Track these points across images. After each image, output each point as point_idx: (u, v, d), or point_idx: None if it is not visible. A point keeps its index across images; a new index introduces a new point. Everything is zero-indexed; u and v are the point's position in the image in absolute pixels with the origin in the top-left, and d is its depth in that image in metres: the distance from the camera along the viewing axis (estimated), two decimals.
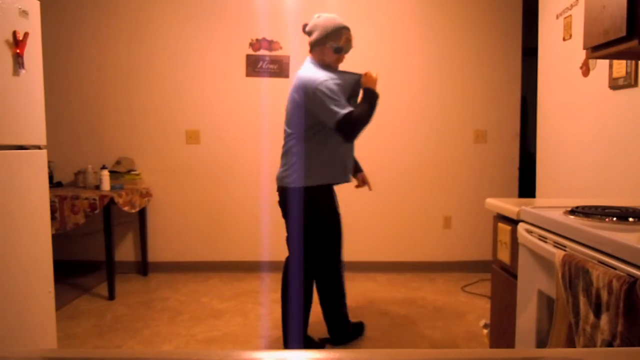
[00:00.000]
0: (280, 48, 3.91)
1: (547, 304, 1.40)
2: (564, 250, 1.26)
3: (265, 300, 3.31)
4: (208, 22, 3.89)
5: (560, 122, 2.86)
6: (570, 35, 2.73)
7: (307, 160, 2.41)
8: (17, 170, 1.97)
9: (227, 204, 3.99)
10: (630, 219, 1.26)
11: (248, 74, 3.92)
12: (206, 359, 0.59)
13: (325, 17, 2.46)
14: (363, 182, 2.76)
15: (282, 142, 2.55)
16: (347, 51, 2.50)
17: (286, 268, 2.54)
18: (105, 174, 3.41)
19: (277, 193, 2.56)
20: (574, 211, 1.38)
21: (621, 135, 2.27)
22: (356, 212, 3.86)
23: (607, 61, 2.34)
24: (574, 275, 1.16)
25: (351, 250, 3.92)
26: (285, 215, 2.53)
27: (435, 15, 3.93)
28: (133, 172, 3.82)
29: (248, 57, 3.91)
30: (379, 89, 2.50)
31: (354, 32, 2.52)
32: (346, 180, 2.56)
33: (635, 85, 2.16)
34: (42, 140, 2.13)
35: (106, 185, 3.40)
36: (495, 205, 1.78)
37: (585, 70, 2.56)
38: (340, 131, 2.34)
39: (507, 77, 3.98)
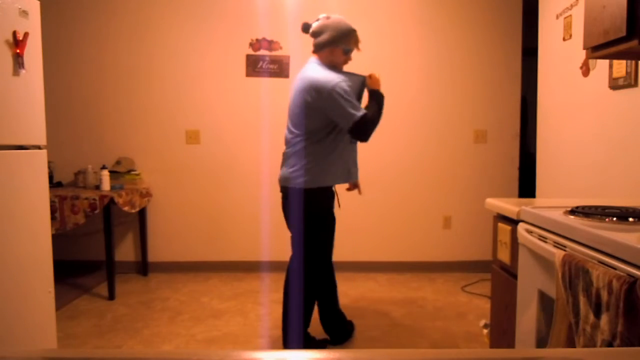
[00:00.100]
0: (280, 48, 3.91)
1: (547, 304, 1.40)
2: (564, 250, 1.26)
3: (265, 300, 3.31)
4: (208, 22, 3.89)
5: (560, 122, 2.86)
6: (570, 35, 2.73)
7: (320, 161, 2.41)
8: (17, 170, 1.97)
9: (227, 204, 3.99)
10: (630, 219, 1.26)
11: (248, 74, 3.92)
12: (206, 359, 0.59)
13: (336, 19, 2.46)
14: (354, 186, 2.74)
15: (282, 142, 2.54)
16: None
17: (296, 268, 2.53)
18: (105, 174, 3.41)
19: (280, 193, 2.55)
20: (574, 211, 1.38)
21: (621, 135, 2.27)
22: (356, 212, 3.86)
23: (607, 61, 2.34)
24: (574, 275, 1.16)
25: (351, 250, 3.94)
26: (293, 216, 2.49)
27: (435, 15, 3.93)
28: (133, 172, 3.82)
29: (248, 57, 3.91)
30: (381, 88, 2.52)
31: None
32: (348, 180, 2.59)
33: (635, 85, 2.16)
34: (42, 140, 2.13)
35: (106, 185, 3.40)
36: (495, 205, 1.78)
37: (585, 70, 2.56)
38: (355, 133, 2.37)
39: (507, 77, 3.98)
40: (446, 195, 4.03)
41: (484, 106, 4.00)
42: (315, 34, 2.47)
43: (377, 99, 2.48)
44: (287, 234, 2.57)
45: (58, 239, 2.73)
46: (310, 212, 2.45)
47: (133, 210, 3.57)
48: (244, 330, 2.82)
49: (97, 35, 3.89)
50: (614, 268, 1.07)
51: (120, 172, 3.75)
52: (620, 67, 2.24)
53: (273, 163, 3.91)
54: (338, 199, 2.63)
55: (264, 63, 3.90)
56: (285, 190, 2.50)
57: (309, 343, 2.50)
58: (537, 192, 3.15)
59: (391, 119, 3.93)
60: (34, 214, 2.07)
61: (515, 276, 1.63)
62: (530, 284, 1.50)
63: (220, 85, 3.93)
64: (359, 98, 2.49)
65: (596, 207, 1.42)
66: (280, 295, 3.39)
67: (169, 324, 2.90)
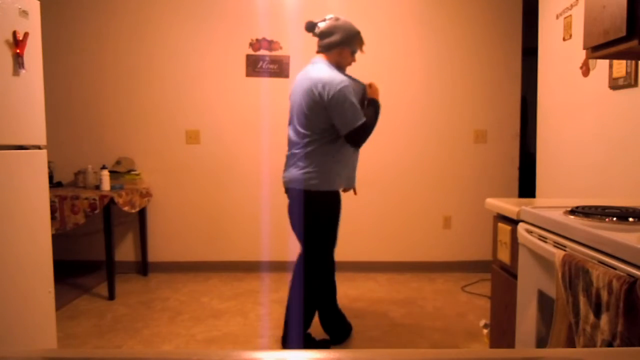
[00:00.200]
0: (280, 48, 3.91)
1: (547, 304, 1.40)
2: (564, 250, 1.26)
3: (265, 300, 3.31)
4: (208, 22, 3.89)
5: (560, 122, 2.86)
6: (570, 35, 2.73)
7: (334, 163, 2.41)
8: (17, 170, 1.97)
9: (227, 204, 3.99)
10: (630, 219, 1.26)
11: (248, 74, 3.92)
12: (206, 359, 0.59)
13: (345, 21, 2.49)
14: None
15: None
16: None
17: (302, 269, 2.52)
18: (105, 174, 3.41)
19: (282, 194, 2.54)
20: (574, 211, 1.38)
21: (621, 135, 2.27)
22: (356, 212, 3.86)
23: (607, 61, 2.34)
24: (574, 275, 1.16)
25: (351, 250, 3.94)
26: (304, 218, 2.48)
27: (435, 15, 3.93)
28: (133, 172, 3.82)
29: (248, 57, 3.91)
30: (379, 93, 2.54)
31: None
32: (348, 185, 2.61)
33: (635, 85, 2.16)
34: (42, 140, 2.13)
35: (106, 185, 3.40)
36: (495, 205, 1.78)
37: (585, 70, 2.56)
38: (351, 139, 2.39)
39: (507, 77, 3.98)
40: (446, 195, 4.03)
41: (484, 106, 4.00)
42: (323, 34, 2.47)
43: (376, 108, 2.51)
44: (287, 234, 2.57)
45: (58, 239, 2.73)
46: (323, 214, 2.45)
47: (133, 210, 3.57)
48: (244, 330, 2.82)
49: (97, 35, 3.89)
50: (614, 268, 1.07)
51: (120, 172, 3.75)
52: (620, 67, 2.24)
53: (273, 163, 3.91)
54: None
55: (264, 63, 3.90)
56: (293, 192, 2.47)
57: (309, 344, 2.50)
58: (537, 192, 3.15)
59: (391, 119, 3.93)
60: (34, 214, 2.07)
61: (515, 276, 1.63)
62: (530, 284, 1.50)
63: (220, 85, 3.93)
64: (361, 104, 2.49)
65: (596, 207, 1.42)
66: (280, 295, 3.40)
67: (169, 324, 2.90)
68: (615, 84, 2.30)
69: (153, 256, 3.98)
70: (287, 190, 2.52)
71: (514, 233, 1.63)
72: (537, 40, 3.16)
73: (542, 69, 3.11)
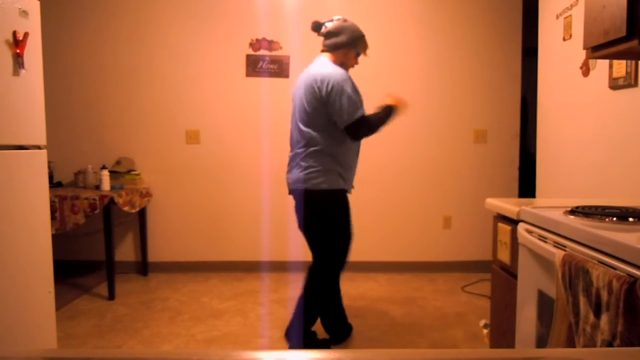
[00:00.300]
0: (280, 48, 3.91)
1: (547, 304, 1.40)
2: (564, 250, 1.26)
3: (265, 300, 3.31)
4: (208, 22, 3.89)
5: (560, 122, 2.86)
6: (570, 35, 2.73)
7: (335, 163, 2.41)
8: (17, 170, 1.97)
9: (227, 204, 3.99)
10: (630, 219, 1.26)
11: (248, 74, 3.92)
12: (206, 359, 0.59)
13: (352, 23, 2.52)
14: None
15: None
16: None
17: (320, 272, 2.52)
18: (105, 174, 3.41)
19: (290, 196, 2.53)
20: (574, 211, 1.38)
21: (621, 135, 2.27)
22: (356, 212, 3.83)
23: (607, 61, 2.34)
24: (574, 275, 1.16)
25: (351, 250, 3.93)
26: (310, 217, 2.48)
27: (435, 15, 3.93)
28: (133, 172, 3.82)
29: (248, 57, 3.91)
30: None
31: None
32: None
33: (635, 85, 2.16)
34: (42, 140, 2.13)
35: (106, 185, 3.40)
36: (495, 205, 1.78)
37: (585, 70, 2.56)
38: (351, 131, 2.38)
39: (507, 77, 3.98)
40: (446, 195, 4.03)
41: (484, 106, 4.00)
42: (330, 34, 2.48)
43: (388, 111, 2.49)
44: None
45: (58, 239, 2.73)
46: (328, 213, 2.45)
47: (133, 210, 3.57)
48: (244, 330, 2.82)
49: (97, 35, 3.89)
50: (614, 268, 1.07)
51: (120, 172, 3.75)
52: (620, 67, 2.24)
53: (273, 163, 3.92)
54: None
55: (264, 63, 3.90)
56: (297, 193, 2.46)
57: (310, 342, 2.50)
58: (537, 192, 3.15)
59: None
60: (34, 214, 2.07)
61: (515, 276, 1.63)
62: (530, 284, 1.50)
63: (220, 85, 3.93)
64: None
65: (596, 207, 1.42)
66: (280, 295, 3.41)
67: (169, 324, 2.90)
68: (615, 84, 2.30)
69: (153, 256, 3.98)
70: (291, 192, 2.51)
71: (514, 233, 1.63)
72: (537, 40, 3.16)
73: (542, 69, 3.11)
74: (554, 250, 1.29)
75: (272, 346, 2.64)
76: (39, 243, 2.10)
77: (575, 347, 1.16)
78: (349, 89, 2.33)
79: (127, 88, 3.93)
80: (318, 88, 2.35)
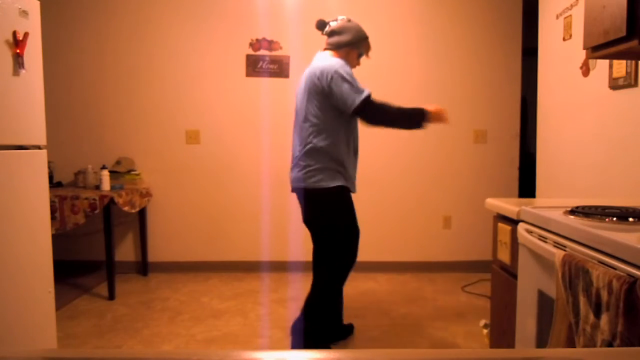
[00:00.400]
0: (280, 48, 3.91)
1: (547, 304, 1.40)
2: (564, 250, 1.26)
3: (265, 300, 3.31)
4: (208, 22, 3.89)
5: (560, 122, 2.86)
6: (570, 35, 2.73)
7: (331, 160, 2.40)
8: (17, 170, 1.97)
9: (227, 204, 3.99)
10: (630, 219, 1.26)
11: (248, 74, 3.92)
12: (206, 359, 0.59)
13: (356, 23, 2.53)
14: None
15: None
16: None
17: (326, 269, 2.52)
18: (105, 174, 3.41)
19: (295, 195, 2.53)
20: (574, 211, 1.38)
21: (621, 135, 2.27)
22: (356, 212, 3.85)
23: (607, 61, 2.34)
24: (574, 275, 1.16)
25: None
26: (312, 216, 2.50)
27: (435, 15, 3.93)
28: (133, 172, 3.82)
29: (248, 57, 3.91)
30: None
31: None
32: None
33: (635, 85, 2.16)
34: (42, 140, 2.13)
35: (106, 185, 3.40)
36: (495, 205, 1.78)
37: (585, 70, 2.56)
38: (361, 113, 2.34)
39: (507, 77, 3.98)
40: (446, 195, 4.03)
41: (484, 106, 4.00)
42: (333, 33, 2.49)
43: (417, 111, 2.43)
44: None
45: (58, 239, 2.73)
46: (328, 211, 2.46)
47: (133, 210, 3.57)
48: (244, 330, 2.82)
49: (97, 35, 3.89)
50: (614, 268, 1.07)
51: (120, 172, 3.75)
52: (620, 67, 2.24)
53: (273, 163, 3.92)
54: None
55: (264, 63, 3.90)
56: (299, 192, 2.48)
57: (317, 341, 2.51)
58: (537, 192, 3.15)
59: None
60: (34, 214, 2.07)
61: (515, 276, 1.63)
62: (530, 284, 1.50)
63: (220, 85, 3.93)
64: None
65: (596, 207, 1.42)
66: (279, 295, 3.41)
67: (169, 324, 2.90)
68: (615, 84, 2.30)
69: (153, 256, 3.98)
70: (293, 190, 2.53)
71: (514, 233, 1.63)
72: (537, 40, 3.16)
73: (542, 69, 3.11)
74: (554, 250, 1.29)
75: (272, 346, 2.63)
76: (39, 243, 2.10)
77: (575, 347, 1.16)
78: (348, 76, 2.34)
79: (127, 88, 3.93)
80: (318, 79, 2.36)
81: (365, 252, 3.98)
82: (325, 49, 2.52)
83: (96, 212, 3.24)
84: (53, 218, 3.10)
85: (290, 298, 3.36)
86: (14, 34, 1.92)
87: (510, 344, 1.68)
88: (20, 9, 1.96)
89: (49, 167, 3.27)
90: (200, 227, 4.00)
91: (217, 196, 3.98)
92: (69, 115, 3.92)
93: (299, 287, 3.59)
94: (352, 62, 2.51)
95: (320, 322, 2.51)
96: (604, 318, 1.05)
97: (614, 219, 1.27)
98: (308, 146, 2.41)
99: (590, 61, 2.51)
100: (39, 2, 2.07)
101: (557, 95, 2.90)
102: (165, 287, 3.59)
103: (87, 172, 3.58)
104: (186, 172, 3.97)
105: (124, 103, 3.94)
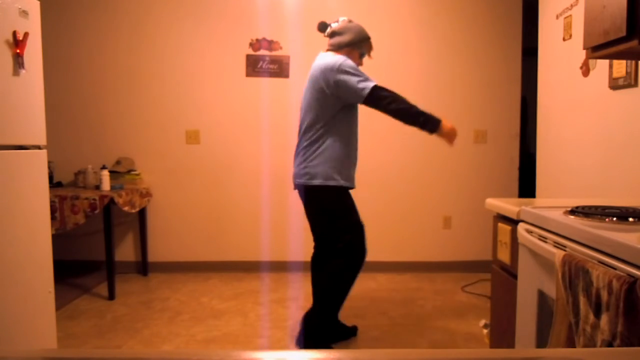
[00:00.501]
0: (280, 48, 3.91)
1: (547, 304, 1.40)
2: (564, 250, 1.26)
3: (265, 300, 3.31)
4: (208, 22, 3.89)
5: (560, 122, 2.86)
6: (570, 35, 2.73)
7: (326, 158, 2.42)
8: (17, 170, 1.97)
9: (227, 204, 3.99)
10: (630, 219, 1.26)
11: (248, 74, 3.92)
12: (206, 359, 0.59)
13: (357, 24, 2.54)
14: None
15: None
16: None
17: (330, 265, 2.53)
18: (105, 174, 3.41)
19: (299, 194, 2.55)
20: (574, 211, 1.38)
21: (621, 135, 2.27)
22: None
23: (607, 61, 2.34)
24: (574, 275, 1.16)
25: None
26: (310, 213, 2.53)
27: (435, 15, 3.93)
28: (133, 172, 3.82)
29: (248, 57, 3.91)
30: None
31: None
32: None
33: (635, 85, 2.16)
34: (42, 140, 2.13)
35: (106, 185, 3.40)
36: (495, 205, 1.78)
37: (585, 70, 2.56)
38: (374, 98, 2.34)
39: (507, 77, 3.98)
40: (446, 195, 4.03)
41: (484, 106, 4.00)
42: (334, 34, 2.52)
43: (431, 117, 2.39)
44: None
45: (58, 239, 2.73)
46: (324, 209, 2.49)
47: (133, 210, 3.57)
48: (244, 330, 2.82)
49: (97, 35, 3.89)
50: (614, 268, 1.07)
51: (120, 172, 3.75)
52: (620, 67, 2.24)
53: (273, 163, 3.92)
54: None
55: (264, 63, 3.90)
56: (298, 188, 2.51)
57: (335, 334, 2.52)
58: (537, 192, 3.15)
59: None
60: (34, 214, 2.07)
61: (515, 276, 1.63)
62: (530, 284, 1.50)
63: (220, 85, 3.93)
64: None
65: (596, 207, 1.42)
66: (279, 295, 3.41)
67: (169, 324, 2.90)
68: (615, 84, 2.30)
69: (153, 256, 3.98)
70: (296, 187, 2.56)
71: (514, 233, 1.63)
72: (537, 40, 3.16)
73: (542, 69, 3.11)
74: (554, 250, 1.29)
75: (272, 346, 2.64)
76: (39, 243, 2.10)
77: (575, 347, 1.16)
78: (352, 69, 2.36)
79: (127, 88, 3.93)
80: (320, 77, 2.39)
81: None
82: (327, 50, 2.53)
83: (96, 212, 3.24)
84: (53, 218, 3.10)
85: (290, 298, 3.36)
86: (14, 34, 1.92)
87: (510, 344, 1.68)
88: (20, 9, 1.96)
89: (49, 167, 3.28)
90: (200, 227, 4.00)
91: (217, 196, 3.98)
92: (69, 115, 3.92)
93: (299, 287, 3.59)
94: (354, 62, 2.52)
95: (325, 323, 2.52)
96: (604, 318, 1.05)
97: (614, 219, 1.27)
98: (309, 144, 2.44)
99: (590, 61, 2.51)
100: (39, 2, 2.07)
101: (557, 95, 2.90)
102: (165, 287, 3.59)
103: (87, 172, 3.58)
104: (186, 172, 3.97)
105: (124, 103, 3.94)
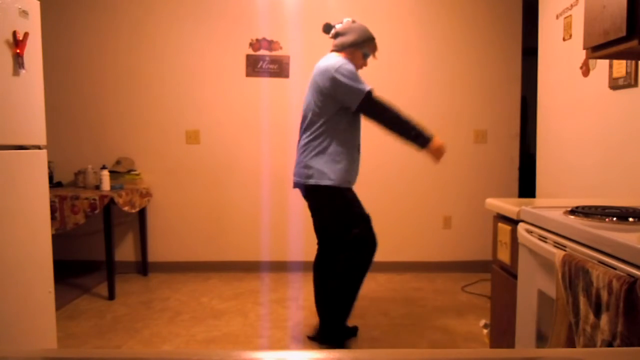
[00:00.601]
0: (280, 48, 3.91)
1: (547, 304, 1.40)
2: (564, 250, 1.26)
3: (265, 300, 3.31)
4: (208, 22, 3.89)
5: (560, 122, 2.86)
6: (570, 35, 2.73)
7: (323, 158, 2.43)
8: (17, 170, 1.97)
9: (227, 204, 3.99)
10: (630, 219, 1.26)
11: (248, 74, 3.92)
12: (206, 359, 0.59)
13: (361, 24, 2.55)
14: None
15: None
16: None
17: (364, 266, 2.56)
18: (105, 174, 3.41)
19: (305, 194, 2.56)
20: (574, 211, 1.38)
21: (621, 135, 2.27)
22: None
23: (607, 61, 2.34)
24: (574, 275, 1.16)
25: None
26: (312, 211, 2.56)
27: (435, 15, 3.93)
28: (133, 172, 3.82)
29: (248, 57, 3.91)
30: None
31: None
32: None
33: (635, 85, 2.16)
34: (42, 140, 2.13)
35: (106, 185, 3.40)
36: (495, 205, 1.78)
37: (585, 70, 2.56)
38: (364, 106, 2.37)
39: (507, 77, 3.98)
40: (446, 195, 4.03)
41: (484, 106, 4.00)
42: (338, 34, 2.53)
43: (422, 131, 2.40)
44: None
45: (58, 239, 2.73)
46: (323, 208, 2.53)
47: (133, 210, 3.57)
48: (244, 330, 2.82)
49: (97, 35, 3.89)
50: (614, 268, 1.07)
51: (120, 172, 3.75)
52: (620, 67, 2.24)
53: (273, 163, 3.92)
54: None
55: (264, 63, 3.90)
56: (298, 187, 2.53)
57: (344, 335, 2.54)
58: (537, 192, 3.15)
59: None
60: (34, 214, 2.07)
61: (515, 276, 1.63)
62: (530, 284, 1.50)
63: (220, 85, 3.93)
64: None
65: (596, 207, 1.42)
66: (279, 295, 3.41)
67: (169, 324, 2.90)
68: (615, 84, 2.30)
69: (153, 256, 3.98)
70: (295, 186, 2.59)
71: (514, 233, 1.63)
72: (537, 40, 3.16)
73: (542, 69, 3.11)
74: (554, 250, 1.29)
75: (272, 346, 2.64)
76: (39, 243, 2.10)
77: (575, 347, 1.16)
78: (349, 73, 2.37)
79: (127, 88, 3.93)
80: (320, 78, 2.42)
81: None
82: (332, 50, 2.56)
83: (96, 212, 3.24)
84: (53, 218, 3.10)
85: (290, 298, 3.36)
86: (14, 34, 1.92)
87: (510, 344, 1.68)
88: (20, 9, 1.96)
89: (49, 167, 3.28)
90: (200, 227, 4.00)
91: (217, 196, 3.98)
92: (69, 115, 3.92)
93: (299, 287, 3.59)
94: (358, 62, 2.54)
95: (341, 324, 2.53)
96: (604, 318, 1.05)
97: (614, 219, 1.27)
98: (308, 142, 2.46)
99: (590, 61, 2.51)
100: (39, 2, 2.07)
101: (557, 95, 2.90)
102: (165, 287, 3.59)
103: (87, 172, 3.58)
104: (186, 172, 3.97)
105: (124, 103, 3.94)
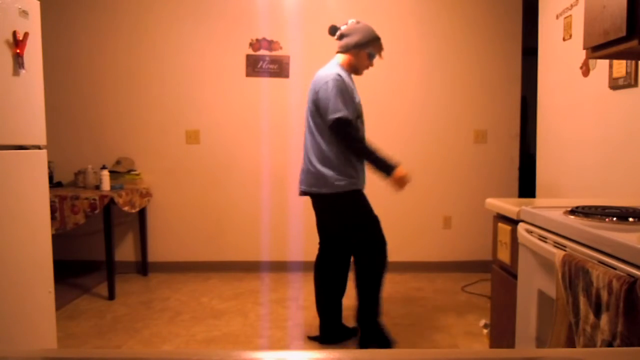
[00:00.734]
0: (280, 48, 3.91)
1: (547, 304, 1.40)
2: (564, 250, 1.26)
3: (265, 300, 3.31)
4: (208, 22, 3.89)
5: (560, 122, 2.86)
6: (570, 35, 2.73)
7: (323, 165, 2.44)
8: (17, 170, 1.97)
9: (227, 204, 3.99)
10: (630, 219, 1.26)
11: (248, 74, 3.92)
12: (206, 359, 0.59)
13: (365, 24, 2.54)
14: None
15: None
16: None
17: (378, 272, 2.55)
18: (105, 174, 3.41)
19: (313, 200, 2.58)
20: (574, 211, 1.38)
21: (621, 135, 2.27)
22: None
23: (607, 61, 2.34)
24: (574, 275, 1.16)
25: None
26: (319, 216, 2.57)
27: (435, 15, 3.93)
28: (133, 172, 3.82)
29: (248, 57, 3.91)
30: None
31: None
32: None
33: (635, 85, 2.16)
34: (42, 140, 2.13)
35: (106, 185, 3.40)
36: (495, 205, 1.78)
37: (585, 70, 2.56)
38: (333, 129, 2.37)
39: (507, 77, 3.98)
40: (446, 195, 4.03)
41: (484, 106, 4.00)
42: (342, 36, 2.53)
43: (383, 163, 2.40)
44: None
45: (58, 239, 2.72)
46: (331, 214, 2.56)
47: (133, 210, 3.57)
48: (244, 330, 2.82)
49: (97, 35, 3.89)
50: (614, 268, 1.07)
51: (120, 172, 3.75)
52: (620, 67, 2.24)
53: (273, 163, 3.92)
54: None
55: (264, 63, 3.90)
56: (310, 196, 2.55)
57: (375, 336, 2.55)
58: (537, 192, 3.15)
59: (391, 119, 3.94)
60: (34, 214, 2.07)
61: (515, 276, 1.63)
62: (530, 284, 1.50)
63: (220, 85, 3.93)
64: (359, 117, 2.49)
65: (596, 207, 1.42)
66: (279, 295, 3.41)
67: (169, 324, 2.90)
68: (615, 84, 2.30)
69: (153, 256, 3.98)
70: (301, 194, 2.60)
71: (514, 233, 1.63)
72: (537, 40, 3.16)
73: (542, 69, 3.11)
74: (554, 250, 1.29)
75: (272, 346, 2.64)
76: (39, 243, 2.10)
77: (575, 347, 1.16)
78: (337, 89, 2.35)
79: (127, 88, 3.93)
80: (315, 89, 2.44)
81: None
82: (337, 52, 2.56)
83: (96, 212, 3.24)
84: (53, 218, 3.10)
85: (290, 298, 3.36)
86: (14, 34, 1.92)
87: (510, 344, 1.68)
88: (20, 9, 1.96)
89: (49, 167, 3.28)
90: (200, 227, 4.00)
91: (217, 196, 3.98)
92: (69, 115, 3.92)
93: (299, 287, 3.59)
94: (363, 62, 2.53)
95: (376, 324, 2.55)
96: (604, 318, 1.05)
97: (614, 219, 1.27)
98: (315, 150, 2.47)
99: (590, 61, 2.51)
100: (39, 2, 2.07)
101: (557, 95, 2.90)
102: (165, 287, 3.59)
103: (87, 172, 3.58)
104: (186, 172, 3.97)
105: (123, 103, 3.94)
